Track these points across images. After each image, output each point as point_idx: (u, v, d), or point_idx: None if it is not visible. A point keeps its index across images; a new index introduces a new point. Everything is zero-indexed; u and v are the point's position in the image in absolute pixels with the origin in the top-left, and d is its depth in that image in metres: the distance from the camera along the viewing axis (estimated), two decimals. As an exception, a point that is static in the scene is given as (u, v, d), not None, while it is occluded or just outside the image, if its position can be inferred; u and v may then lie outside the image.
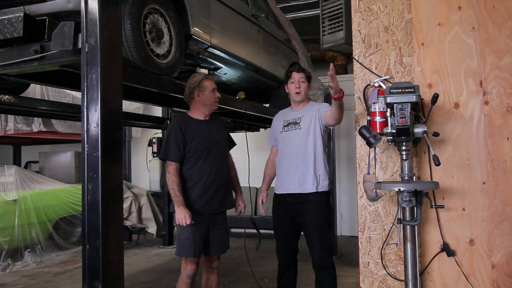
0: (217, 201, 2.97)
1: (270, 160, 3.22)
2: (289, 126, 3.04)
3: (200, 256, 2.95)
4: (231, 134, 3.30)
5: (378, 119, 2.32)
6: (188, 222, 2.77)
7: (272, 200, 3.12)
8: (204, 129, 2.98)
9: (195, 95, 2.96)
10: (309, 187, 2.90)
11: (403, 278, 2.29)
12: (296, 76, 3.03)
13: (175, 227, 2.94)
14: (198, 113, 3.01)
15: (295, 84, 3.02)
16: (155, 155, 6.79)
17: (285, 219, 3.02)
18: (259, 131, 5.80)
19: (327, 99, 5.80)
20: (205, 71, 3.55)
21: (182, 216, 2.77)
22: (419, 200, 2.15)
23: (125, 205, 6.10)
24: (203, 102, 2.97)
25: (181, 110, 4.44)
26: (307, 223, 2.93)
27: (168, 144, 2.90)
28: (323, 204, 2.93)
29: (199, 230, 2.89)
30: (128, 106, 6.33)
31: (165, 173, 2.91)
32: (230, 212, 3.17)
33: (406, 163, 2.20)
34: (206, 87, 2.95)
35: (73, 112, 4.18)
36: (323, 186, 2.93)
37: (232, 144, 3.24)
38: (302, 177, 2.92)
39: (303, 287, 3.24)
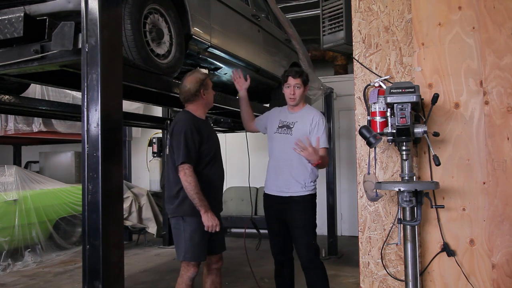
0: (222, 202, 3.01)
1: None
2: (283, 129, 3.08)
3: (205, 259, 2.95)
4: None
5: (378, 119, 2.32)
6: (218, 229, 2.74)
7: (263, 199, 3.18)
8: (212, 130, 2.99)
9: (201, 93, 2.88)
10: (293, 190, 2.97)
11: (403, 278, 2.29)
12: (292, 81, 3.04)
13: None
14: (200, 112, 2.94)
15: (290, 90, 3.05)
16: (155, 155, 6.78)
17: (275, 217, 3.08)
18: (259, 131, 5.79)
19: (327, 99, 5.82)
20: (205, 71, 3.54)
21: (214, 224, 2.71)
22: (419, 200, 2.15)
23: (125, 205, 6.10)
24: (207, 100, 2.94)
25: (181, 110, 4.44)
26: (293, 223, 2.98)
27: (187, 145, 2.69)
28: (308, 205, 2.98)
29: (207, 233, 2.84)
30: (128, 106, 6.32)
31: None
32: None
33: (406, 163, 2.19)
34: (209, 85, 2.94)
35: (73, 112, 4.18)
36: (308, 190, 2.98)
37: None
38: (287, 181, 2.99)
39: (301, 287, 3.23)
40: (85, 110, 1.81)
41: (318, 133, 2.97)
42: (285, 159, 2.99)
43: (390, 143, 2.27)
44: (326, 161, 3.03)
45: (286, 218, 3.00)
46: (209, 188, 2.86)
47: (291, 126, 3.04)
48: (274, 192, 3.06)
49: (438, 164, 2.11)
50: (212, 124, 3.24)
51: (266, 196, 3.13)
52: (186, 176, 2.67)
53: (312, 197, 3.02)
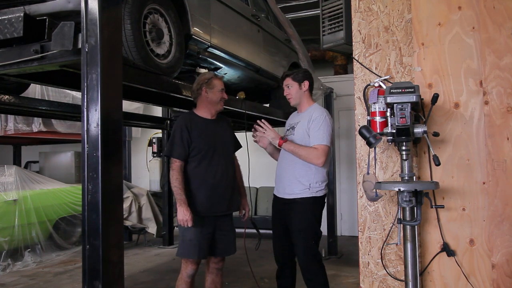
0: (224, 202, 2.96)
1: None
2: (289, 131, 3.11)
3: (204, 257, 2.94)
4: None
5: (378, 119, 2.32)
6: (189, 225, 2.74)
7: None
8: (210, 128, 2.97)
9: (202, 91, 2.95)
10: (296, 191, 2.93)
11: (403, 278, 2.29)
12: (284, 83, 3.10)
13: (176, 227, 2.93)
14: (204, 111, 3.00)
15: (284, 92, 3.10)
16: (155, 155, 6.78)
17: (279, 219, 3.08)
18: (259, 131, 5.79)
19: (327, 99, 5.82)
20: (205, 71, 3.55)
21: (184, 219, 2.74)
22: (419, 200, 2.15)
23: (125, 205, 6.10)
24: (210, 99, 2.96)
25: (181, 110, 4.44)
26: (292, 226, 2.95)
27: (173, 141, 2.90)
28: (308, 207, 2.90)
29: (204, 232, 2.87)
30: (128, 106, 6.33)
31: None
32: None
33: (406, 163, 2.19)
34: (215, 85, 2.96)
35: (73, 112, 4.18)
36: (313, 192, 2.91)
37: (238, 146, 3.24)
38: (290, 182, 2.96)
39: (302, 287, 3.23)
40: (85, 110, 1.81)
41: (314, 128, 2.89)
42: (289, 160, 2.97)
43: (390, 143, 2.27)
44: (316, 156, 2.83)
45: (287, 220, 2.97)
46: (201, 186, 2.89)
47: (295, 126, 3.05)
48: (279, 194, 3.05)
49: (438, 164, 2.11)
50: (228, 124, 3.21)
51: (274, 198, 3.15)
52: (171, 170, 2.86)
53: (315, 200, 2.91)
